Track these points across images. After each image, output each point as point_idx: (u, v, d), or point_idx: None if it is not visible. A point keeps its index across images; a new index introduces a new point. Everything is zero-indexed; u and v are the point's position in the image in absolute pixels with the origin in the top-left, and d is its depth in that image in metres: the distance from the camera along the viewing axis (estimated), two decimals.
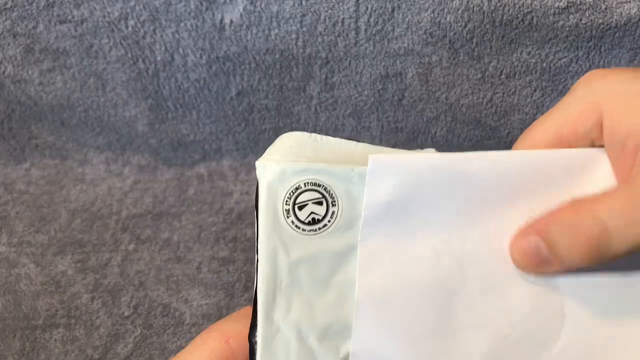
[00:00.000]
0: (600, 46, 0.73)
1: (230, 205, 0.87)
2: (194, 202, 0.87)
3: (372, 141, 0.87)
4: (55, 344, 0.77)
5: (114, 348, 0.77)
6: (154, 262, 0.83)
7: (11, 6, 0.73)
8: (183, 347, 0.75)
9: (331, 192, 0.44)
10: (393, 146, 0.86)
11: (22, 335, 0.78)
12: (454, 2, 0.71)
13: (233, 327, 0.47)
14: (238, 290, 0.79)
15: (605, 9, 0.70)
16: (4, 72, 0.79)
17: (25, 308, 0.80)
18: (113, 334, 0.78)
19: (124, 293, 0.80)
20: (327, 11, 0.73)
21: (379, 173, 0.43)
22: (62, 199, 0.88)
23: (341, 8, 0.73)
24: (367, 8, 0.73)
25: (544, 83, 0.77)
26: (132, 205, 0.87)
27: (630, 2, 0.69)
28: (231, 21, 0.74)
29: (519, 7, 0.71)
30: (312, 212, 0.45)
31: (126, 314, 0.79)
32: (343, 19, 0.74)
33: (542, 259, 0.40)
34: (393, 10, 0.73)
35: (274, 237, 0.45)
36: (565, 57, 0.75)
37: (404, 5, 0.72)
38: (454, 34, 0.74)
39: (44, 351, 0.77)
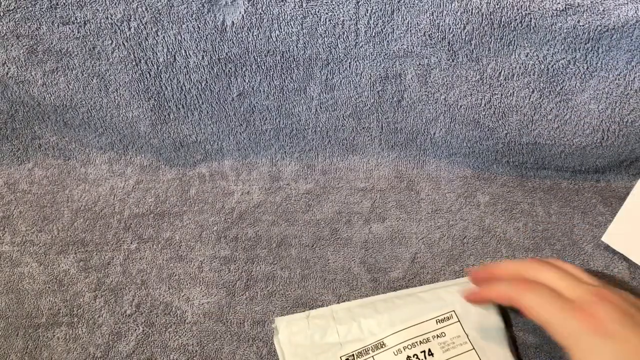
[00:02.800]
0: (598, 48, 0.73)
1: (231, 205, 0.87)
2: (196, 202, 0.88)
3: (371, 141, 0.88)
4: (57, 342, 0.78)
5: (116, 346, 0.77)
6: (156, 261, 0.83)
7: (14, 8, 0.74)
8: (184, 345, 0.76)
9: None
10: (392, 147, 0.86)
11: (25, 333, 0.78)
12: (453, 4, 0.72)
13: None
14: (239, 289, 0.80)
15: (603, 11, 0.70)
16: (7, 73, 0.80)
17: (28, 307, 0.80)
18: (115, 332, 0.78)
19: (126, 292, 0.81)
20: (327, 13, 0.74)
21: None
22: (65, 199, 0.89)
23: (341, 10, 0.73)
24: (367, 10, 0.73)
25: (541, 84, 0.77)
26: (135, 204, 0.88)
27: (627, 4, 0.69)
28: (233, 23, 0.75)
29: (517, 9, 0.71)
30: None
31: (128, 312, 0.79)
32: (343, 20, 0.74)
33: None
34: (392, 12, 0.73)
35: None
36: (563, 58, 0.75)
37: (403, 8, 0.73)
38: (453, 35, 0.74)
39: (46, 349, 0.77)
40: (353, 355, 0.70)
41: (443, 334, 0.71)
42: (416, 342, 0.70)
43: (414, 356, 0.69)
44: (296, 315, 0.75)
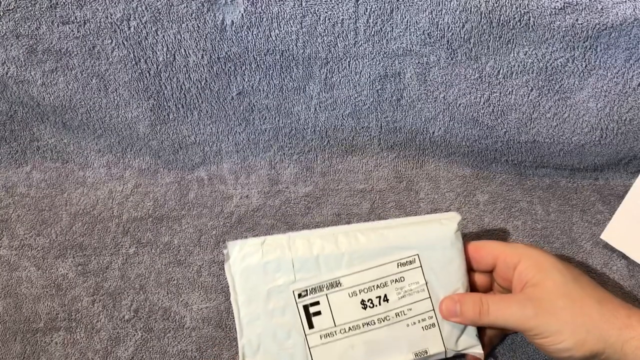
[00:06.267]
0: (596, 46, 0.74)
1: (230, 209, 0.87)
2: (195, 206, 0.88)
3: (370, 141, 0.88)
4: (56, 347, 0.77)
5: (114, 351, 0.77)
6: (155, 266, 0.83)
7: (14, 7, 0.74)
8: (184, 351, 0.76)
9: None
10: (391, 147, 0.86)
11: (23, 338, 0.78)
12: (452, 3, 0.72)
13: None
14: None
15: (601, 9, 0.70)
16: (7, 73, 0.80)
17: (26, 311, 0.80)
18: (114, 338, 0.78)
19: (125, 296, 0.81)
20: (326, 12, 0.74)
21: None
22: (63, 202, 0.88)
23: (340, 9, 0.73)
24: (366, 9, 0.73)
25: (540, 82, 0.78)
26: (133, 208, 0.88)
27: (625, 2, 0.70)
28: (232, 22, 0.75)
29: (516, 8, 0.71)
30: None
31: (127, 317, 0.79)
32: (342, 19, 0.74)
33: (456, 313, 0.69)
34: (392, 11, 0.73)
35: None
36: (562, 57, 0.75)
37: (402, 6, 0.73)
38: (452, 34, 0.75)
39: (44, 354, 0.77)
40: (307, 290, 0.69)
41: (402, 279, 0.70)
42: (373, 286, 0.70)
43: (368, 300, 0.69)
44: (250, 240, 0.71)
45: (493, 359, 0.76)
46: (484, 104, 0.80)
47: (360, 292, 0.69)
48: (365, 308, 0.69)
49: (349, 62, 0.79)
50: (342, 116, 0.85)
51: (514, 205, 0.86)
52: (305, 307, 0.69)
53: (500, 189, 0.88)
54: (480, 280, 0.74)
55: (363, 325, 0.69)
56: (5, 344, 0.78)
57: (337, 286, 0.69)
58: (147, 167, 0.90)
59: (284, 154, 0.89)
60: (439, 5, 0.72)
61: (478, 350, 0.70)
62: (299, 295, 0.69)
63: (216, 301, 0.80)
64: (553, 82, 0.78)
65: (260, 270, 0.70)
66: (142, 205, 0.88)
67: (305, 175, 0.89)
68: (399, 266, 0.70)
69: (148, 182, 0.89)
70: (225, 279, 0.79)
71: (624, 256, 0.80)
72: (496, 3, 0.71)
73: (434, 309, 0.70)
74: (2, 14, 0.74)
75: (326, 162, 0.89)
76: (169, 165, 0.90)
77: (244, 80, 0.81)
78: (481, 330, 0.72)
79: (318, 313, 0.69)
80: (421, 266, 0.70)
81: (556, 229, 0.84)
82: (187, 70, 0.79)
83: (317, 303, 0.69)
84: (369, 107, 0.84)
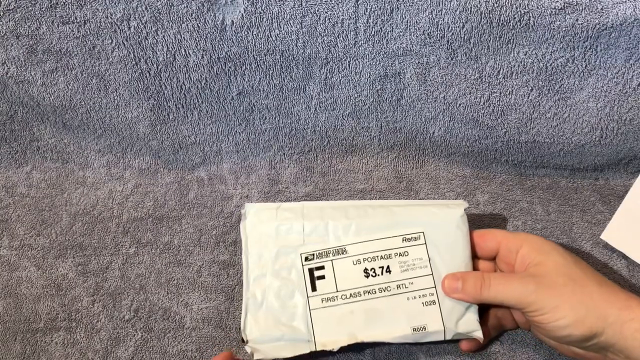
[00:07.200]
0: (597, 46, 0.74)
1: (230, 209, 0.87)
2: (195, 206, 0.88)
3: (370, 141, 0.88)
4: (55, 347, 0.77)
5: (114, 351, 0.77)
6: (155, 266, 0.83)
7: (14, 7, 0.74)
8: (184, 351, 0.75)
9: None
10: (391, 147, 0.86)
11: (23, 338, 0.78)
12: (452, 3, 0.72)
13: None
14: (238, 294, 0.79)
15: (601, 9, 0.70)
16: (7, 73, 0.80)
17: (26, 311, 0.80)
18: (114, 338, 0.78)
19: (125, 296, 0.80)
20: (326, 12, 0.74)
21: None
22: (64, 202, 0.88)
23: (340, 9, 0.73)
24: (366, 9, 0.73)
25: (540, 82, 0.78)
26: (133, 208, 0.88)
27: (625, 2, 0.70)
28: (232, 22, 0.75)
29: (516, 8, 0.71)
30: None
31: (127, 317, 0.79)
32: (342, 19, 0.74)
33: (457, 289, 0.70)
34: (392, 11, 0.73)
35: None
36: (562, 57, 0.75)
37: (402, 6, 0.73)
38: (452, 34, 0.74)
39: (44, 354, 0.77)
40: (313, 254, 0.73)
41: (406, 253, 0.72)
42: (377, 256, 0.72)
43: (371, 269, 0.71)
44: (267, 204, 0.76)
45: None
46: (484, 104, 0.80)
47: (364, 261, 0.72)
48: (367, 277, 0.71)
49: (349, 62, 0.79)
50: (342, 116, 0.85)
51: (514, 205, 0.86)
52: (311, 271, 0.72)
53: (500, 189, 0.88)
54: (483, 268, 0.75)
55: (364, 293, 0.71)
56: (5, 344, 0.77)
57: (343, 253, 0.72)
58: (147, 167, 0.90)
59: (284, 154, 0.89)
60: (439, 5, 0.72)
61: (479, 334, 0.70)
62: (306, 259, 0.73)
63: (216, 301, 0.80)
64: (553, 82, 0.78)
65: (272, 232, 0.74)
66: (142, 205, 0.88)
67: (305, 175, 0.89)
68: (404, 241, 0.72)
69: (148, 182, 0.89)
70: (225, 279, 0.80)
71: (624, 256, 0.80)
72: (496, 3, 0.71)
73: (435, 287, 0.71)
74: (2, 14, 0.74)
75: (326, 162, 0.90)
76: (169, 165, 0.90)
77: (244, 80, 0.81)
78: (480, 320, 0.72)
79: (322, 277, 0.72)
80: (426, 243, 0.72)
81: (556, 229, 0.84)
82: (187, 70, 0.79)
83: (322, 267, 0.72)
84: (369, 107, 0.83)
